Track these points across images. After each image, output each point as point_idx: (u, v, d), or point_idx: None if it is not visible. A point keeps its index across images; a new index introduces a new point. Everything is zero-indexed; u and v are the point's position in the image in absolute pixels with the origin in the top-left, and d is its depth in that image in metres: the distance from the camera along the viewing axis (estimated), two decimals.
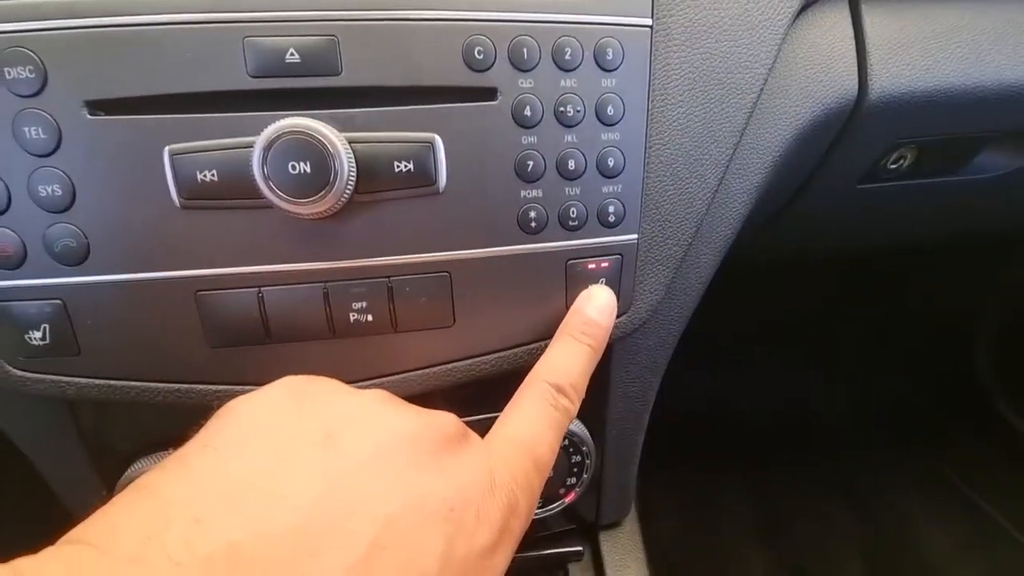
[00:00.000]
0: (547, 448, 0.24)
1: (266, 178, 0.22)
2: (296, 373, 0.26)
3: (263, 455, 0.18)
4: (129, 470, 0.30)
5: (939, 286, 0.93)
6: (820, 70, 0.32)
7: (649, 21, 0.26)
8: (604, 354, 0.31)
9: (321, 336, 0.27)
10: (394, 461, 0.19)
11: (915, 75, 0.33)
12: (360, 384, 0.27)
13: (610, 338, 0.30)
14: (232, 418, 0.20)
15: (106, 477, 0.31)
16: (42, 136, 0.23)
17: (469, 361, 0.28)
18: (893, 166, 0.39)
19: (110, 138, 0.23)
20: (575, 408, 0.26)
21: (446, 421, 0.22)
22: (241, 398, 0.21)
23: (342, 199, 0.24)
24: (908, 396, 0.98)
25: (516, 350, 0.29)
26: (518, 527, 0.21)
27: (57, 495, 0.32)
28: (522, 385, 0.25)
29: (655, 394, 0.36)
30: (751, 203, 0.32)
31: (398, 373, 0.28)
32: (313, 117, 0.23)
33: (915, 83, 0.33)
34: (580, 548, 0.40)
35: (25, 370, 0.26)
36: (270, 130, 0.22)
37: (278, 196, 0.23)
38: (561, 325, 0.28)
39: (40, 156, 0.23)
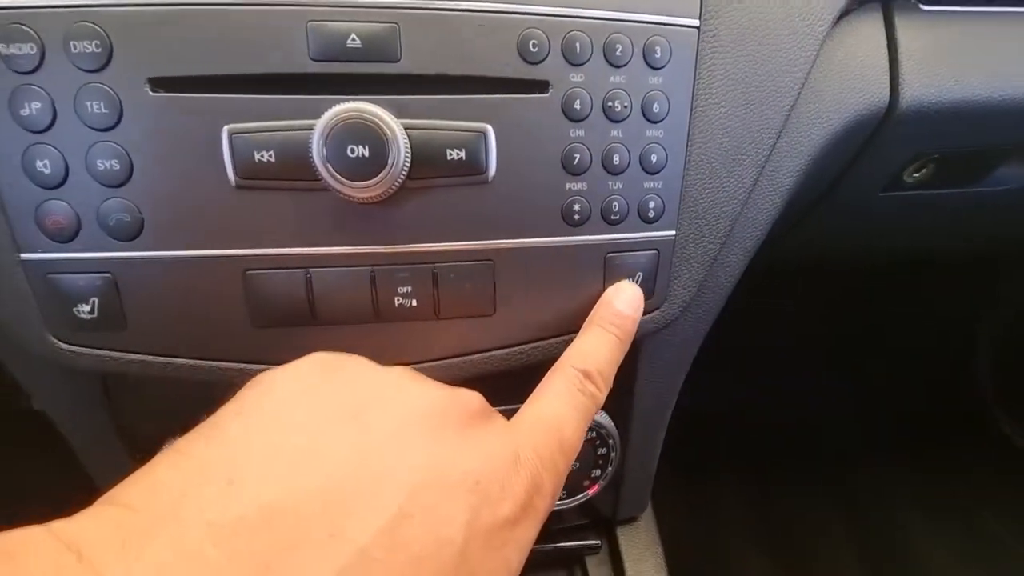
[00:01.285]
0: (573, 431, 0.24)
1: (324, 160, 0.23)
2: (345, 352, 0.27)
3: (295, 424, 0.19)
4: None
5: (941, 298, 0.94)
6: (854, 77, 0.33)
7: (697, 22, 0.27)
8: (632, 349, 0.32)
9: (364, 320, 0.27)
10: (420, 434, 0.20)
11: (945, 86, 0.33)
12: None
13: (641, 333, 0.31)
14: (265, 387, 0.21)
15: (135, 456, 0.31)
16: (103, 111, 0.23)
17: (507, 350, 0.29)
18: (916, 175, 0.40)
19: (170, 115, 0.24)
20: (602, 396, 0.26)
21: (471, 398, 0.22)
22: (275, 370, 0.21)
23: (395, 184, 0.24)
24: (910, 406, 0.99)
25: (552, 340, 0.29)
26: (543, 506, 0.22)
27: (89, 473, 0.32)
28: (551, 371, 0.26)
29: (678, 391, 0.37)
30: (782, 206, 0.33)
31: (437, 360, 0.28)
32: (371, 102, 0.23)
33: (944, 94, 0.34)
34: (598, 542, 0.40)
35: (71, 343, 0.26)
36: (330, 113, 0.23)
37: (335, 179, 0.23)
38: (590, 316, 0.28)
39: (100, 130, 0.23)
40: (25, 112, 0.23)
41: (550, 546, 0.40)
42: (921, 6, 0.34)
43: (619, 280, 0.29)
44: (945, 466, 0.92)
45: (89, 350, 0.26)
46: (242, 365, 0.27)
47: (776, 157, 0.31)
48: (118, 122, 0.23)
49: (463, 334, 0.28)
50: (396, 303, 0.27)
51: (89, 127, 0.23)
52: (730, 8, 0.28)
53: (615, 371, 0.27)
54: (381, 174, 0.23)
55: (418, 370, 0.28)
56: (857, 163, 0.37)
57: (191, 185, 0.24)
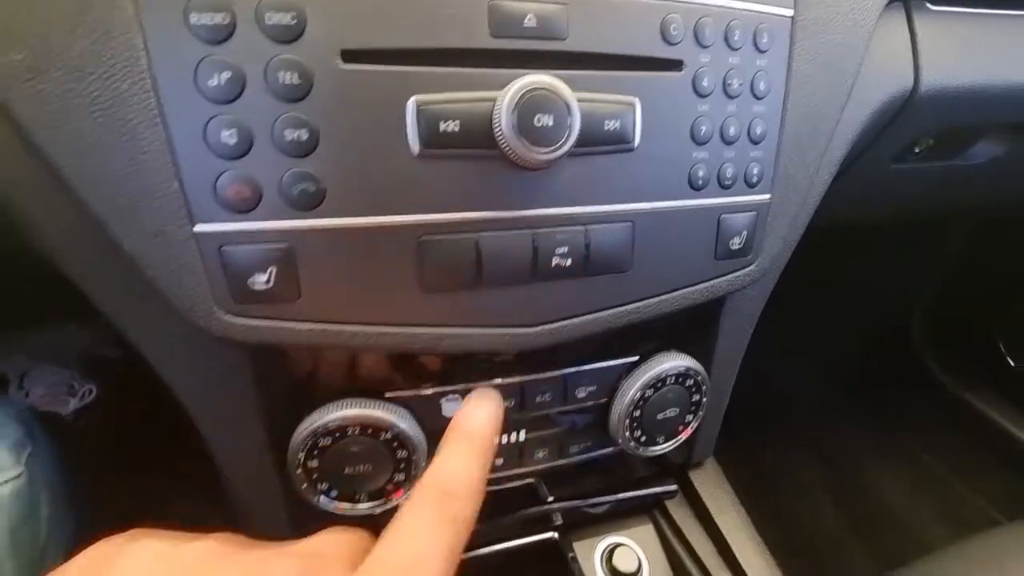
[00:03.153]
0: (437, 571, 0.19)
1: (513, 128, 0.25)
2: (500, 315, 0.28)
3: None
4: (300, 428, 0.31)
5: (882, 263, 1.07)
6: (888, 64, 0.39)
7: (791, 12, 0.31)
8: (717, 302, 0.36)
9: (522, 281, 0.29)
10: None
11: (953, 74, 0.40)
12: (550, 325, 0.30)
13: (732, 288, 0.35)
14: None
15: (275, 436, 0.31)
16: (294, 82, 0.24)
17: (640, 303, 0.32)
18: (918, 150, 0.47)
19: (359, 87, 0.25)
20: (471, 518, 0.21)
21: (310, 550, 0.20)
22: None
23: (567, 151, 0.26)
24: (860, 365, 1.12)
25: (675, 293, 0.33)
26: None
27: (216, 459, 0.32)
28: (411, 493, 0.22)
29: (748, 342, 0.42)
30: (834, 173, 0.38)
31: (582, 315, 0.31)
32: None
33: (952, 80, 0.40)
34: (675, 487, 0.44)
35: (239, 315, 0.26)
36: (520, 84, 0.25)
37: (523, 145, 0.25)
38: (448, 431, 0.24)
39: (289, 102, 0.24)
40: (212, 83, 0.23)
41: (630, 494, 0.44)
42: (928, 5, 0.41)
43: (729, 238, 0.33)
44: (892, 413, 1.06)
45: (259, 322, 0.27)
46: (410, 330, 0.28)
47: (837, 131, 0.36)
48: (307, 94, 0.24)
49: (604, 290, 0.31)
50: (552, 263, 0.29)
51: (278, 99, 0.24)
52: (814, 0, 0.32)
53: (483, 485, 0.23)
54: (561, 141, 0.26)
55: (567, 326, 0.31)
56: (880, 137, 0.43)
57: (373, 154, 0.25)
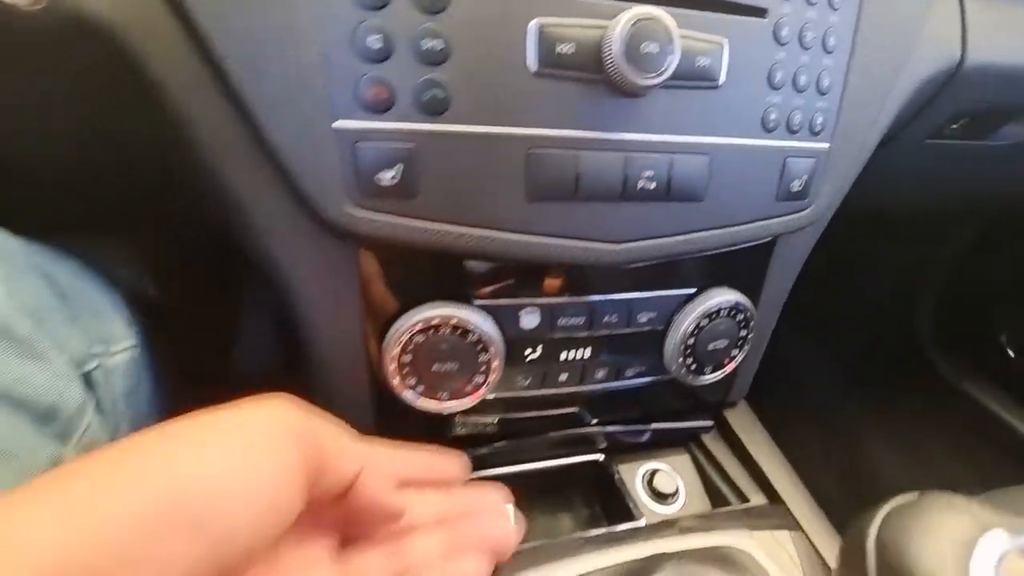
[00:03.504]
0: None
1: (622, 54, 0.28)
2: (590, 230, 0.32)
3: None
4: (398, 323, 0.34)
5: (891, 256, 1.11)
6: (937, 38, 0.42)
7: None
8: (769, 244, 0.40)
9: (611, 198, 0.32)
10: None
11: (998, 53, 0.43)
12: (632, 244, 0.33)
13: (788, 228, 0.38)
14: None
15: (371, 330, 0.35)
16: None
17: (709, 232, 0.35)
18: (954, 126, 0.50)
19: (490, 5, 0.28)
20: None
21: None
22: None
23: (665, 80, 0.29)
24: (865, 352, 1.16)
25: (739, 227, 0.36)
26: None
27: (317, 356, 0.35)
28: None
29: (790, 287, 0.45)
30: (880, 138, 0.42)
31: (660, 237, 0.34)
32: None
33: (997, 59, 0.44)
34: (711, 422, 0.48)
35: (364, 209, 0.29)
36: (631, 14, 0.28)
37: (629, 70, 0.28)
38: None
39: (431, 13, 0.27)
40: None
41: (670, 425, 0.47)
42: None
43: (793, 181, 0.36)
44: (894, 399, 1.10)
45: (380, 216, 0.30)
46: (514, 236, 0.31)
47: (889, 96, 0.40)
48: (445, 7, 0.27)
49: (680, 217, 0.34)
50: (639, 186, 0.32)
51: (420, 10, 0.27)
52: None
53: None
54: (663, 68, 0.29)
55: (646, 246, 0.34)
56: (922, 111, 0.46)
57: (496, 69, 0.29)
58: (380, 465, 0.24)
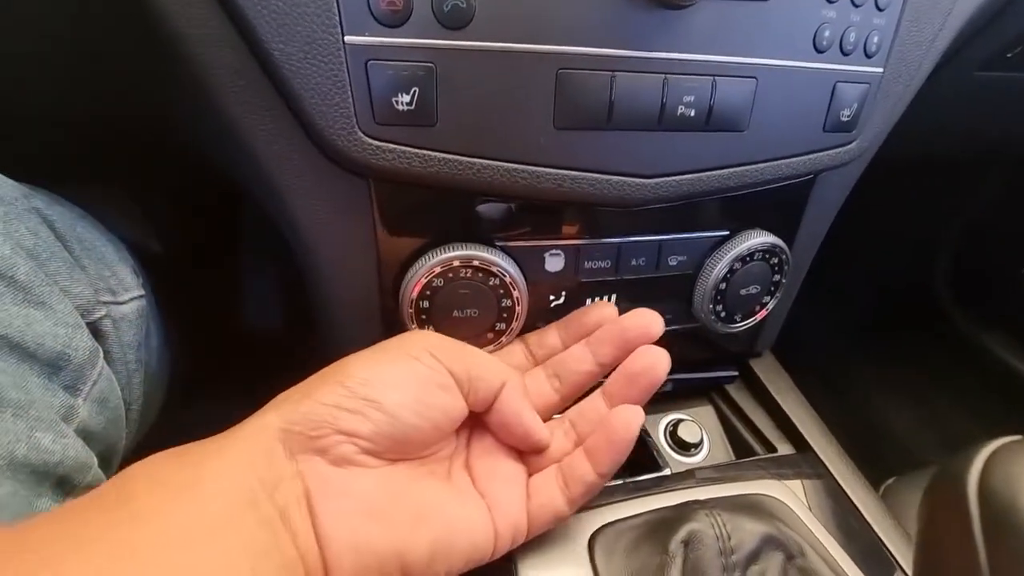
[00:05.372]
0: None
1: None
2: (623, 162, 0.29)
3: None
4: (415, 267, 0.32)
5: (910, 207, 1.07)
6: None
7: None
8: (807, 182, 0.37)
9: (648, 127, 0.29)
10: None
11: None
12: (668, 178, 0.31)
13: (834, 163, 0.35)
14: None
15: (386, 274, 0.33)
16: None
17: (751, 167, 0.32)
18: (1009, 55, 0.46)
19: None
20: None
21: None
22: None
23: None
24: (877, 307, 1.15)
25: (783, 161, 0.33)
26: None
27: (323, 302, 0.33)
28: None
29: (823, 236, 0.43)
30: (936, 61, 0.38)
31: (698, 171, 0.31)
32: None
33: None
34: (735, 372, 0.46)
35: (379, 139, 0.27)
36: None
37: None
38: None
39: None
40: None
41: (694, 375, 0.46)
42: None
43: (842, 109, 0.33)
44: (903, 352, 1.09)
45: (395, 146, 0.27)
46: (540, 169, 0.29)
47: (949, 17, 0.36)
48: None
49: (720, 148, 0.31)
50: (678, 112, 0.29)
51: None
52: None
53: None
54: None
55: (678, 183, 0.31)
56: (974, 40, 0.42)
57: None
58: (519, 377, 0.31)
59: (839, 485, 0.36)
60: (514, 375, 0.30)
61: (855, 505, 0.35)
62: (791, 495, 0.34)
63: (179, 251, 0.60)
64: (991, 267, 1.01)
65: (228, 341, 0.70)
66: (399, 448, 0.26)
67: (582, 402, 0.32)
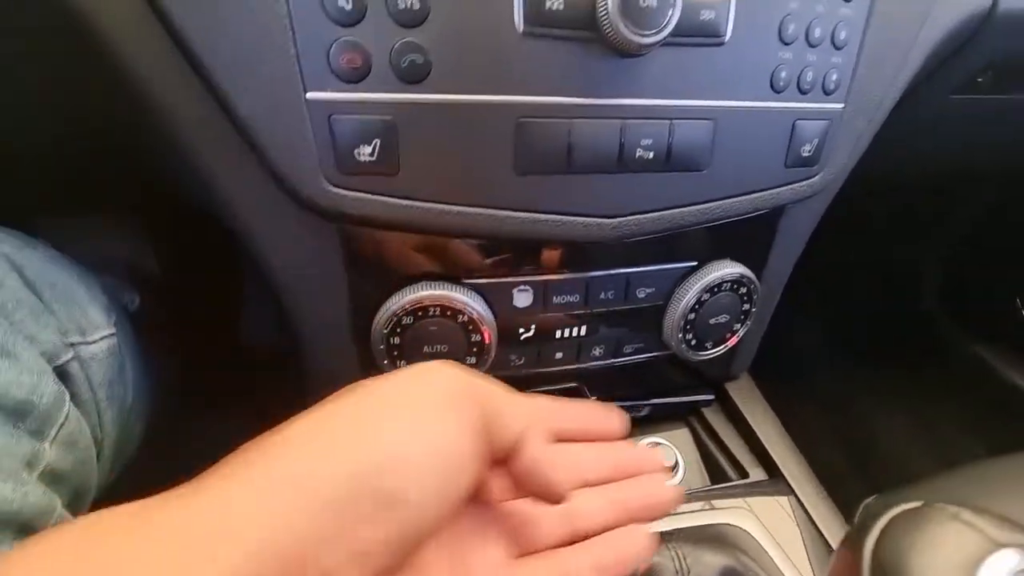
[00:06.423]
0: None
1: (619, 8, 0.25)
2: (585, 204, 0.30)
3: None
4: (386, 305, 0.33)
5: (895, 227, 1.08)
6: None
7: None
8: (776, 213, 0.38)
9: (608, 170, 0.30)
10: None
11: None
12: (630, 217, 0.32)
13: (795, 198, 0.36)
14: None
15: (357, 314, 0.33)
16: None
17: (713, 204, 0.33)
18: (980, 80, 0.47)
19: None
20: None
21: None
22: None
23: (665, 36, 0.27)
24: (870, 323, 1.15)
25: (745, 197, 0.34)
26: None
27: (298, 336, 0.34)
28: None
29: (795, 262, 0.43)
30: (902, 91, 0.39)
31: (660, 210, 0.32)
32: None
33: None
34: (712, 396, 0.47)
35: (342, 187, 0.28)
36: None
37: (626, 27, 0.26)
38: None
39: None
40: None
41: (671, 399, 0.47)
42: None
43: (803, 145, 0.34)
44: (898, 368, 1.09)
45: (360, 195, 0.28)
46: (503, 212, 0.30)
47: (913, 48, 0.36)
48: None
49: (681, 188, 0.32)
50: (636, 155, 0.30)
51: None
52: None
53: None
54: (662, 25, 0.26)
55: (640, 221, 0.32)
56: (947, 63, 0.43)
57: (479, 30, 0.26)
58: (544, 420, 0.23)
59: (806, 512, 0.37)
60: (539, 408, 0.24)
61: (820, 532, 0.35)
62: (757, 524, 0.34)
63: (176, 265, 0.61)
64: (982, 284, 1.01)
65: (227, 353, 0.71)
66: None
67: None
